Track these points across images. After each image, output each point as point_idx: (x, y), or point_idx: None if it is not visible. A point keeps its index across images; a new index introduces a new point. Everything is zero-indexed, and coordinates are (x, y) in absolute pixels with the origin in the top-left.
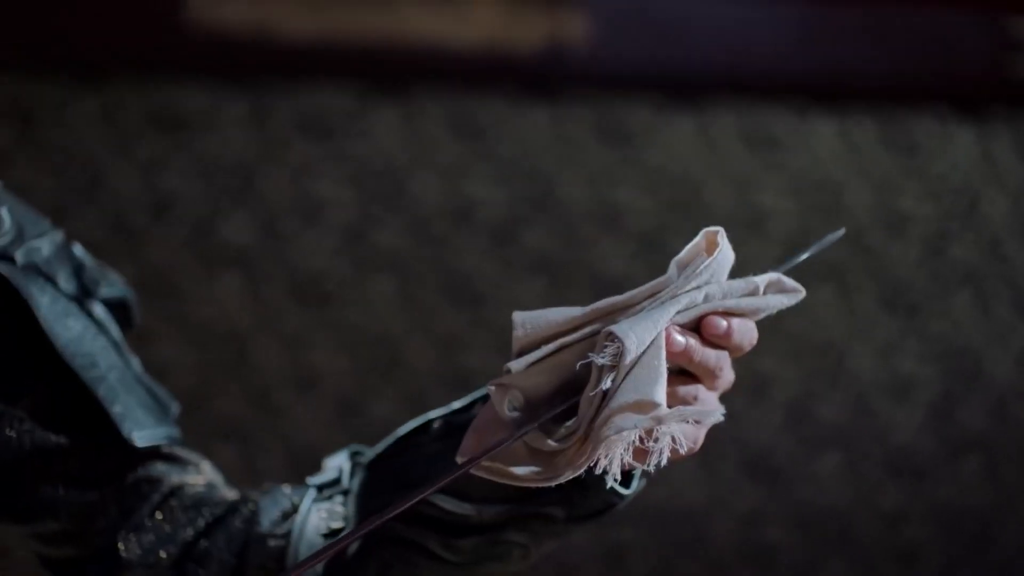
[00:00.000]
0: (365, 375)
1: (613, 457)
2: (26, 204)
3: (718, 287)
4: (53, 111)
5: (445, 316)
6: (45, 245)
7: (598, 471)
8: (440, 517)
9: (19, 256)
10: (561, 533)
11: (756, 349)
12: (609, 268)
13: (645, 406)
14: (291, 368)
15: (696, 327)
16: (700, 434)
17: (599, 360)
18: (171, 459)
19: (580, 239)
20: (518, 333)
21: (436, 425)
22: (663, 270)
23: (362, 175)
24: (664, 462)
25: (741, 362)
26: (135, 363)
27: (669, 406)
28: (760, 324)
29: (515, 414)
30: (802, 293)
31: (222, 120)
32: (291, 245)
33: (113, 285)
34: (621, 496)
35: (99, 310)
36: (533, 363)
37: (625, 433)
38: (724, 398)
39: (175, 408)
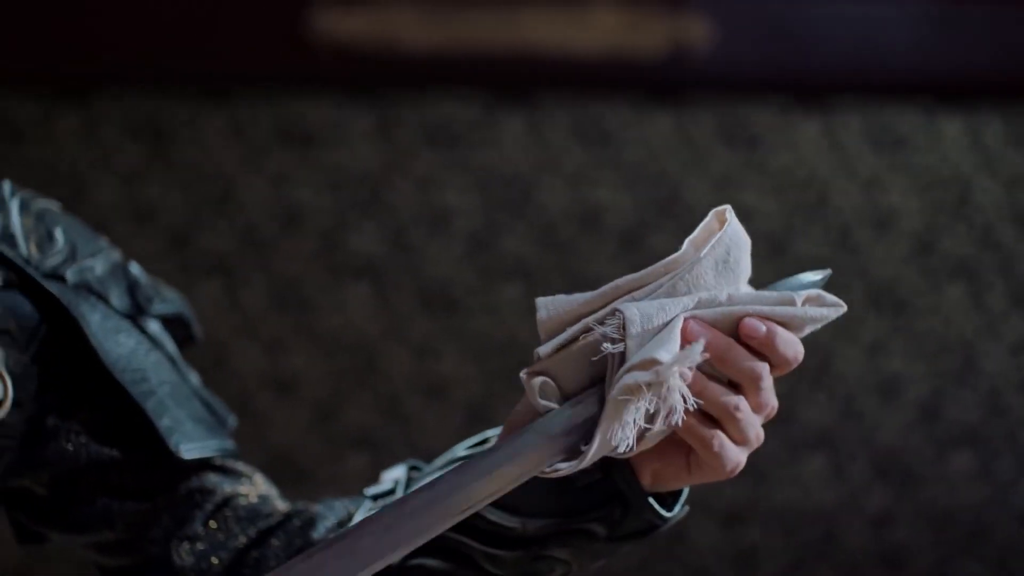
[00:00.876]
0: (492, 382)
1: (626, 423)
2: (82, 224)
3: (747, 293)
4: (184, 127)
5: None
6: (99, 264)
7: (615, 444)
8: (486, 528)
9: (70, 275)
10: (603, 552)
11: None
12: None
13: (647, 363)
14: (419, 375)
15: (734, 333)
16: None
17: (599, 330)
18: (224, 471)
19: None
20: (541, 316)
21: (492, 442)
22: (789, 272)
23: (488, 183)
24: (678, 421)
25: None
26: (193, 377)
27: (705, 413)
28: None
29: (550, 404)
30: (843, 308)
31: (349, 132)
32: (418, 254)
33: (168, 302)
34: (664, 518)
35: (154, 326)
36: (561, 348)
37: (628, 385)
38: None
39: (232, 421)
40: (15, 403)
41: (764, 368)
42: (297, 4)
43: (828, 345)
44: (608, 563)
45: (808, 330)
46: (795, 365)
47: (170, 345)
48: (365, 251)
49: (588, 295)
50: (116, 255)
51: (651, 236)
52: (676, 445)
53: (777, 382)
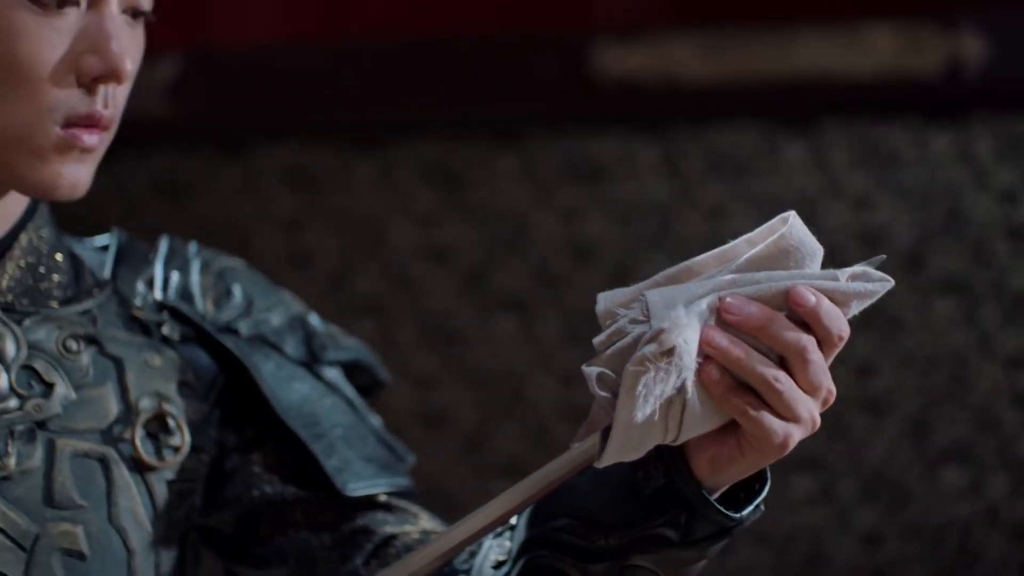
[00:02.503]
0: None
1: (637, 395)
2: (264, 280)
3: (785, 271)
4: (476, 170)
5: None
6: (275, 317)
7: (636, 419)
8: (575, 544)
9: (244, 328)
10: (687, 558)
11: None
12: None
13: (655, 334)
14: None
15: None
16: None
17: (624, 314)
18: (389, 509)
19: (988, 257)
20: (599, 309)
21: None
22: None
23: (774, 210)
24: (687, 386)
25: None
26: (373, 419)
27: (748, 386)
28: None
29: (607, 394)
30: (890, 283)
31: (636, 166)
32: None
33: (345, 350)
34: (733, 518)
35: (330, 373)
36: (610, 337)
37: (636, 357)
38: None
39: (410, 459)
40: (194, 448)
41: (810, 341)
42: (579, 43)
43: None
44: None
45: (855, 307)
46: (840, 344)
47: (348, 389)
48: None
49: (639, 284)
50: (296, 307)
51: (934, 255)
52: (727, 426)
53: None
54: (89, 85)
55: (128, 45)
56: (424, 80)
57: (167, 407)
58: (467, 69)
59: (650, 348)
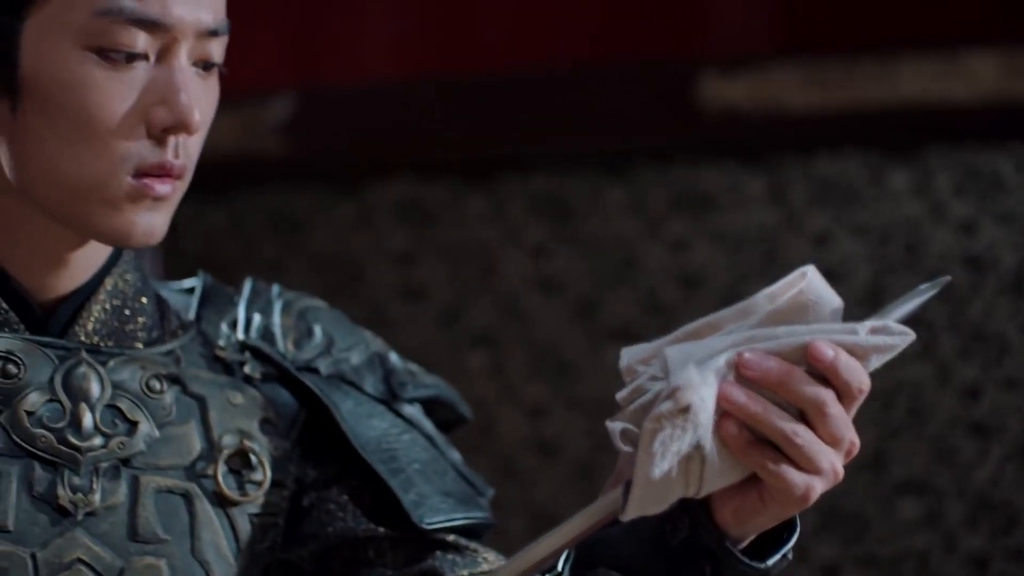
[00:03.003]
0: None
1: (654, 452)
2: (346, 320)
3: (804, 326)
4: (587, 201)
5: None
6: (355, 355)
7: (655, 475)
8: None
9: (324, 367)
10: None
11: None
12: None
13: (671, 391)
14: None
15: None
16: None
17: (644, 371)
18: (459, 551)
19: None
20: (622, 364)
21: None
22: None
23: (881, 238)
24: (704, 442)
25: None
26: (452, 454)
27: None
28: None
29: (631, 449)
30: (911, 336)
31: (742, 195)
32: None
33: (424, 387)
34: (759, 569)
35: (409, 409)
36: (632, 392)
37: (653, 415)
38: None
39: (489, 493)
40: (276, 483)
41: (829, 394)
42: (684, 75)
43: None
44: None
45: (876, 361)
46: (861, 396)
47: (428, 425)
48: None
49: (660, 340)
50: (376, 345)
51: None
52: (750, 478)
53: None
54: (159, 136)
55: (197, 96)
56: (532, 114)
57: (249, 443)
58: (574, 102)
59: (666, 406)
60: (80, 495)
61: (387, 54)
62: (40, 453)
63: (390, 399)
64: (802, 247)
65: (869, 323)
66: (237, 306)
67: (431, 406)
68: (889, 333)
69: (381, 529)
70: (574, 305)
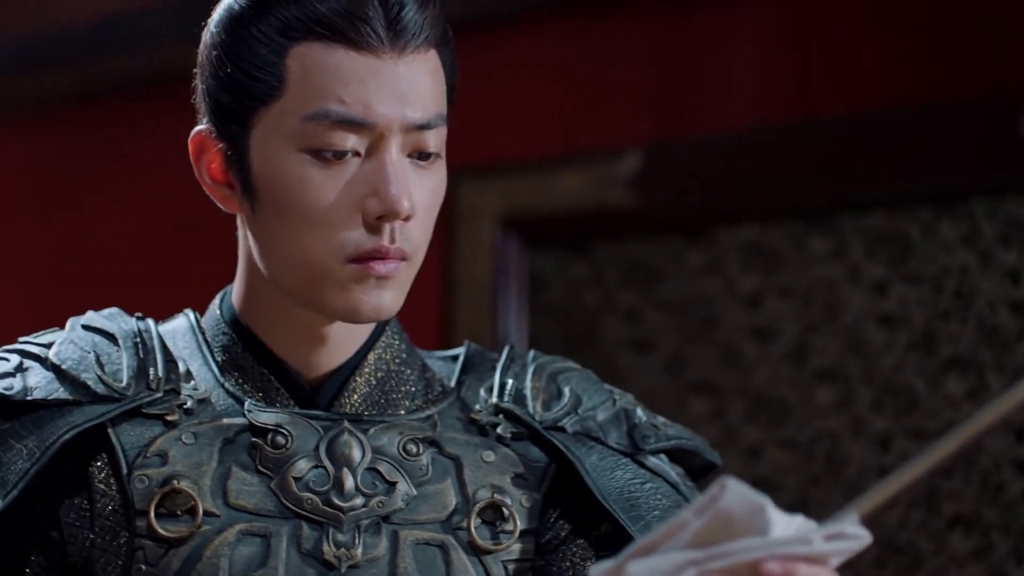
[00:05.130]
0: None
1: None
2: (595, 380)
3: (759, 541)
4: (924, 238)
5: None
6: (601, 412)
7: None
8: None
9: (570, 425)
10: None
11: None
12: None
13: None
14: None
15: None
16: None
17: None
18: None
19: None
20: None
21: None
22: None
23: None
24: None
25: None
26: (697, 497)
27: None
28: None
29: None
30: (867, 540)
31: None
32: None
33: (665, 439)
34: None
35: (653, 460)
36: None
37: None
38: None
39: None
40: (526, 532)
41: None
42: (1013, 111)
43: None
44: None
45: (836, 561)
46: None
47: (672, 474)
48: None
49: (626, 554)
50: (624, 401)
51: None
52: None
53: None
54: (374, 224)
55: (408, 185)
56: (867, 155)
57: (500, 497)
58: (907, 142)
59: None
60: (344, 550)
61: (746, 104)
62: (307, 514)
63: (633, 452)
64: None
65: (824, 529)
66: (495, 372)
67: (683, 455)
68: (845, 538)
69: None
70: (914, 335)
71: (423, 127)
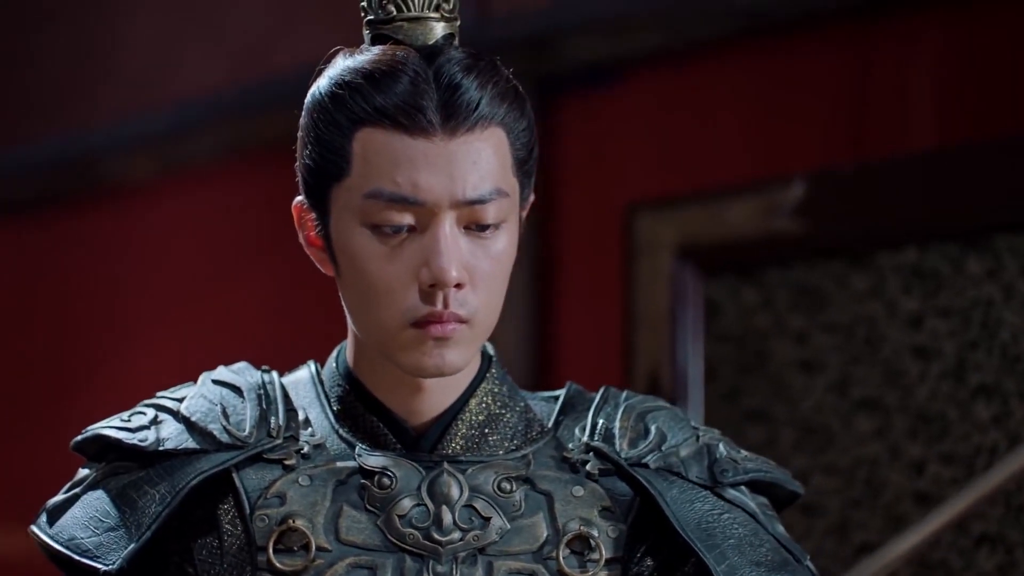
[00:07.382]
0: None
1: None
2: (682, 417)
3: None
4: None
5: None
6: (684, 448)
7: None
8: None
9: (653, 461)
10: None
11: None
12: None
13: None
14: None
15: None
16: None
17: None
18: None
19: None
20: None
21: None
22: None
23: None
24: None
25: None
26: (776, 528)
27: None
28: None
29: None
30: None
31: None
32: None
33: (743, 472)
34: None
35: (732, 492)
36: None
37: None
38: None
39: (805, 560)
40: (612, 560)
41: None
42: None
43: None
44: None
45: None
46: None
47: (751, 504)
48: None
49: None
50: (708, 438)
51: None
52: None
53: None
54: (428, 291)
55: (461, 256)
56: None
57: (588, 529)
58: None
59: None
60: None
61: (921, 129)
62: (410, 548)
63: (713, 484)
64: None
65: None
66: (589, 412)
67: (766, 486)
68: None
69: None
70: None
71: (475, 202)
